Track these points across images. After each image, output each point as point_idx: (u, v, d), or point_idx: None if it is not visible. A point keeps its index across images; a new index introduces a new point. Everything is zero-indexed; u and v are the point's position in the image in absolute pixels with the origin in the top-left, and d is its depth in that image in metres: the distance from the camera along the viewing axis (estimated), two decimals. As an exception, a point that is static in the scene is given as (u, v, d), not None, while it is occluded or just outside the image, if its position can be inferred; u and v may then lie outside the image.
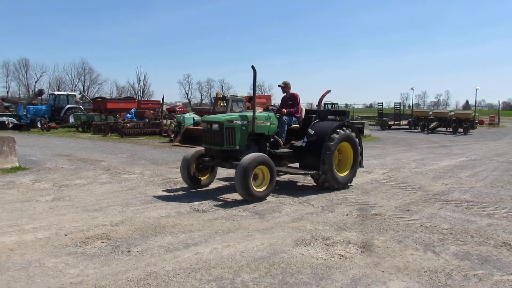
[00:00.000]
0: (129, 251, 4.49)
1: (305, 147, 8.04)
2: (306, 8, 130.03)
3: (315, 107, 45.15)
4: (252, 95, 8.45)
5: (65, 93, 32.40)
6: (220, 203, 6.93)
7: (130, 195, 7.30)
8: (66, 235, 5.00)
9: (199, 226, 5.52)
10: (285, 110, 8.29)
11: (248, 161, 6.76)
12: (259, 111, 8.41)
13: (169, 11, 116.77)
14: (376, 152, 15.72)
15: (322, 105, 39.12)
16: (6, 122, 24.93)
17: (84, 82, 79.68)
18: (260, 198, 7.01)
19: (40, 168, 10.25)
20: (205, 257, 4.40)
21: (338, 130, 8.08)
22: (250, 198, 6.86)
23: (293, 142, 8.39)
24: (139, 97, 71.58)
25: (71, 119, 26.89)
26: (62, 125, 26.11)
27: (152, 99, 59.06)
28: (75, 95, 31.85)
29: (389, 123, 34.21)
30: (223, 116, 7.66)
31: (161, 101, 23.20)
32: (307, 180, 9.09)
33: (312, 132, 8.11)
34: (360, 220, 5.96)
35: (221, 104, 22.37)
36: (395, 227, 5.65)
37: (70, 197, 7.12)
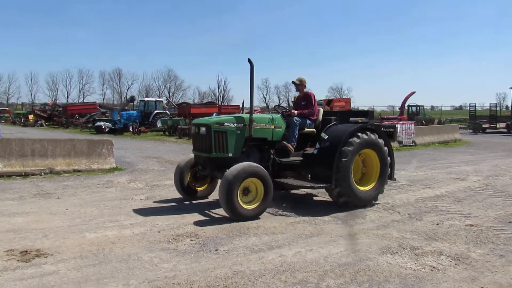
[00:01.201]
0: (216, 250, 4.69)
1: (316, 155, 6.69)
2: (389, 9, 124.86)
3: (397, 109, 43.11)
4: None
5: (153, 99, 34.76)
6: (303, 207, 6.92)
7: (214, 196, 7.61)
8: (159, 231, 5.36)
9: (282, 229, 5.57)
10: (295, 112, 7.09)
11: (234, 172, 5.71)
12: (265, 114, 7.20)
13: (252, 16, 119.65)
14: (469, 157, 14.54)
15: (406, 107, 37.25)
16: (103, 127, 27.39)
17: (170, 88, 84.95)
18: (250, 217, 5.82)
19: (134, 169, 11.13)
20: (289, 259, 4.43)
21: (358, 134, 6.65)
22: (236, 216, 5.76)
23: (306, 149, 7.05)
24: (220, 102, 74.36)
25: (159, 124, 28.73)
26: (151, 129, 28.05)
27: (232, 103, 60.97)
28: (162, 101, 34.06)
29: (483, 126, 31.43)
30: (212, 118, 6.74)
31: (241, 106, 23.87)
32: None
33: (326, 137, 6.76)
34: (453, 231, 5.56)
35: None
36: (495, 240, 5.18)
37: (161, 197, 7.62)
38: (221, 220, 5.93)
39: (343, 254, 4.63)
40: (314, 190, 7.83)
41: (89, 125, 30.57)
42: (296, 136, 6.87)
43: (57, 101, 68.53)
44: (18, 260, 4.26)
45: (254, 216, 5.90)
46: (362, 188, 6.85)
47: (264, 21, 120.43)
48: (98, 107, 38.19)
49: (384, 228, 5.67)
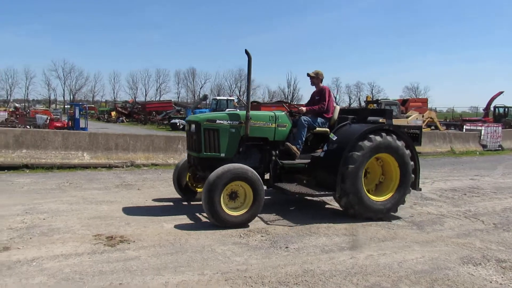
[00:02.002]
0: (286, 247, 4.72)
1: (322, 158, 6.02)
2: (471, 8, 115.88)
3: (481, 111, 39.99)
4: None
5: (225, 98, 35.79)
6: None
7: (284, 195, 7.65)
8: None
9: (353, 230, 5.45)
10: (304, 108, 6.54)
11: (218, 174, 5.23)
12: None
13: (320, 13, 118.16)
14: None
15: (491, 109, 34.41)
16: (178, 124, 28.74)
17: (240, 87, 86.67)
18: (235, 224, 5.31)
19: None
20: (360, 262, 4.32)
21: (371, 136, 5.84)
22: (219, 222, 5.28)
23: (317, 150, 6.35)
24: (289, 101, 74.42)
25: (230, 122, 29.52)
26: (222, 127, 28.91)
27: (301, 103, 60.70)
28: (233, 100, 34.93)
29: None
30: (204, 115, 6.28)
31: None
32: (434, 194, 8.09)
33: (335, 138, 6.07)
34: (546, 244, 5.04)
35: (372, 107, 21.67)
36: None
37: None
38: (292, 218, 5.94)
39: (419, 261, 4.41)
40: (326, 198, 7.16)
41: (165, 122, 32.34)
42: (303, 137, 6.22)
43: (136, 99, 73.26)
44: (104, 245, 4.64)
45: (241, 223, 5.35)
46: (377, 198, 6.01)
47: (335, 18, 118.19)
48: (173, 105, 40.20)
49: (465, 237, 5.31)
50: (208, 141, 5.81)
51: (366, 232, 5.39)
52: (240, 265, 4.16)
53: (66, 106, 48.43)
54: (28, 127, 20.48)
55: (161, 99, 75.11)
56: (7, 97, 76.38)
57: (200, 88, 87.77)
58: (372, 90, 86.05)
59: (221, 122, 5.88)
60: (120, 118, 40.69)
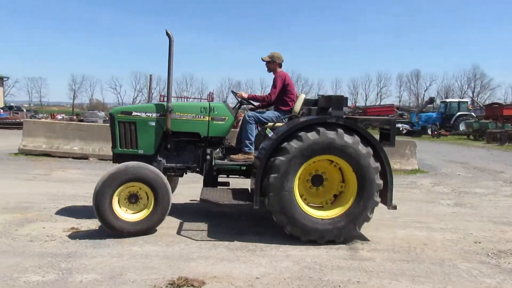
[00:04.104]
0: (554, 278, 3.84)
1: (255, 159, 5.01)
2: None
3: None
4: None
5: (456, 100, 32.29)
6: None
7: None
8: (475, 242, 4.89)
9: None
10: (244, 94, 5.49)
11: (109, 174, 4.55)
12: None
13: None
14: None
15: None
16: (401, 129, 27.56)
17: (474, 88, 76.41)
18: (131, 232, 4.59)
19: (437, 172, 10.64)
20: None
21: (300, 134, 4.53)
22: (111, 229, 4.58)
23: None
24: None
25: (461, 127, 26.43)
26: (452, 132, 26.14)
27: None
28: (466, 102, 31.12)
29: None
30: (121, 107, 5.59)
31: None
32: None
33: (271, 134, 4.97)
34: None
35: None
36: None
37: (472, 205, 6.95)
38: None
39: None
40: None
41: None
42: (251, 136, 5.26)
43: (357, 104, 74.18)
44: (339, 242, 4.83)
45: (139, 232, 4.64)
46: (327, 215, 4.66)
47: None
48: (395, 109, 38.81)
49: None
50: (123, 136, 5.22)
51: None
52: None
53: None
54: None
55: (381, 104, 73.79)
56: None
57: (425, 91, 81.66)
58: None
59: (138, 114, 5.22)
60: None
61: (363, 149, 4.58)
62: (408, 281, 3.73)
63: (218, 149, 5.39)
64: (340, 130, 4.58)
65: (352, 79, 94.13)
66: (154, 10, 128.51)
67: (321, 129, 4.55)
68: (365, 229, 5.32)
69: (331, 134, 4.55)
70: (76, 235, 4.77)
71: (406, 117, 33.92)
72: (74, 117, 37.27)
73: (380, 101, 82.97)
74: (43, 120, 23.29)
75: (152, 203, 4.65)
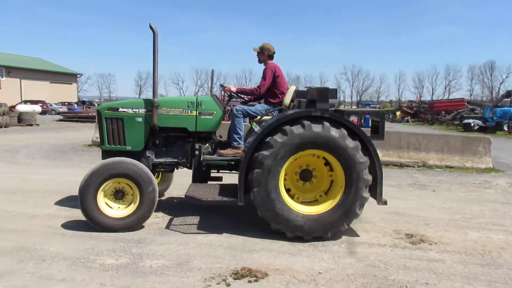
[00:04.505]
0: None
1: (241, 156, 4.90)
2: None
3: None
4: None
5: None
6: None
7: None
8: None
9: None
10: (232, 88, 5.37)
11: (92, 171, 4.57)
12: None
13: None
14: None
15: None
16: (472, 124, 25.78)
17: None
18: (120, 228, 4.57)
19: (514, 172, 9.84)
20: None
21: (285, 128, 4.41)
22: (99, 227, 4.56)
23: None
24: None
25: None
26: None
27: None
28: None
29: None
30: (108, 103, 5.46)
31: None
32: None
33: (257, 128, 4.88)
34: None
35: None
36: None
37: (556, 208, 6.33)
38: None
39: None
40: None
41: (456, 122, 29.66)
42: (240, 130, 5.17)
43: (422, 98, 70.50)
44: (405, 241, 4.63)
45: (127, 227, 4.61)
46: (312, 210, 4.52)
47: None
48: (466, 104, 36.36)
49: None
50: (110, 132, 5.16)
51: None
52: None
53: (353, 107, 51.87)
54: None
55: (450, 98, 69.51)
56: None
57: (500, 84, 75.87)
58: None
59: (125, 110, 5.14)
60: (405, 118, 40.13)
61: (350, 143, 4.40)
62: (483, 286, 3.49)
63: (207, 144, 5.32)
64: (326, 124, 4.42)
65: (418, 73, 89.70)
66: (213, 7, 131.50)
67: (306, 123, 4.40)
68: (433, 229, 5.09)
69: (316, 127, 4.39)
70: (146, 223, 5.02)
71: (478, 112, 31.62)
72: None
73: (449, 95, 78.36)
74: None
75: (137, 198, 4.61)
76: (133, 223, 4.62)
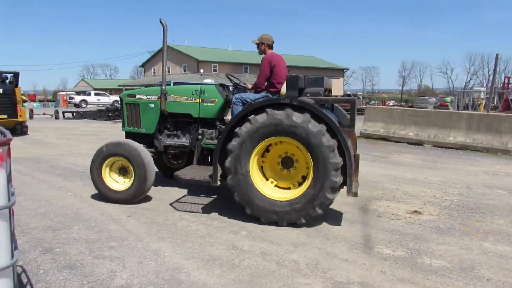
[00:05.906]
0: None
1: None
2: None
3: None
4: None
5: None
6: None
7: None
8: None
9: None
10: (249, 85, 5.63)
11: (96, 151, 5.28)
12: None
13: None
14: None
15: None
16: None
17: None
18: (118, 200, 5.20)
19: None
20: None
21: (250, 118, 4.47)
22: (104, 197, 5.29)
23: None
24: None
25: None
26: None
27: None
28: None
29: None
30: (129, 91, 6.12)
31: None
32: None
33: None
34: None
35: None
36: None
37: None
38: None
39: None
40: None
41: None
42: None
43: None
44: None
45: (124, 200, 5.20)
46: (284, 196, 4.52)
47: None
48: None
49: None
50: (130, 116, 5.84)
51: None
52: None
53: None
54: None
55: None
56: None
57: None
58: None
59: (140, 97, 5.80)
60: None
61: (314, 127, 4.28)
62: None
63: (212, 130, 5.55)
64: (289, 110, 4.36)
65: None
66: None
67: (269, 110, 4.40)
68: None
69: (279, 115, 4.37)
70: (419, 218, 4.89)
71: None
72: (403, 103, 37.88)
73: None
74: (381, 106, 24.76)
75: (133, 176, 5.13)
76: (132, 197, 5.16)
